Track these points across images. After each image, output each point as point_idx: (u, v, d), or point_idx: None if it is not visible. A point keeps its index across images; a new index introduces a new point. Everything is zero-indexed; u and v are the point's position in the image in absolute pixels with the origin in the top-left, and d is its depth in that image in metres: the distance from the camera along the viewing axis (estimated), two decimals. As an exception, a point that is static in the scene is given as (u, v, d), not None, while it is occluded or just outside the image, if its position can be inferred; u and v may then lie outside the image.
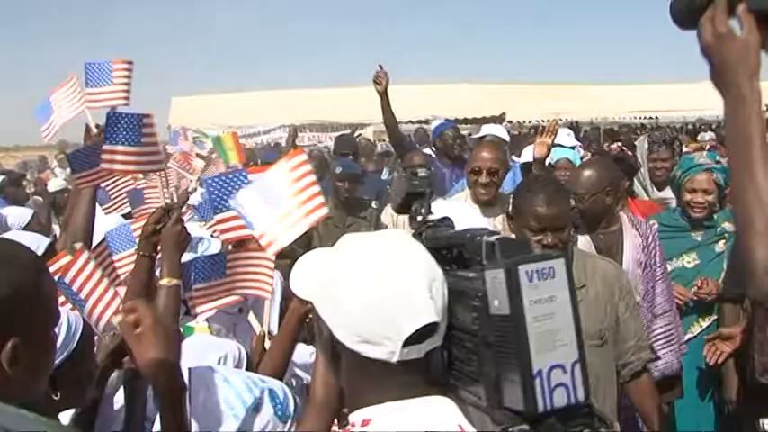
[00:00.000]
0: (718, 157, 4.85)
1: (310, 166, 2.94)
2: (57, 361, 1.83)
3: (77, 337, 2.09)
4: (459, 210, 2.80)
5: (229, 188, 3.01)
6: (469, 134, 14.15)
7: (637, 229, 3.92)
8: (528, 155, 5.38)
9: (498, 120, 15.29)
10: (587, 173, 3.89)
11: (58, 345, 1.87)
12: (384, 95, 5.82)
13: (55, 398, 1.95)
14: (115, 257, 3.48)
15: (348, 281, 1.35)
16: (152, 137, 3.20)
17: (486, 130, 7.24)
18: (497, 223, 3.97)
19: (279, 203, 2.80)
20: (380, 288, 1.32)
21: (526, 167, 5.38)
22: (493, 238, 1.38)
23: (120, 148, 3.10)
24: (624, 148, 7.46)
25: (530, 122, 17.16)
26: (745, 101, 1.56)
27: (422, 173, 1.82)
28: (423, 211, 1.76)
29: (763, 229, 1.49)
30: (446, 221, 1.72)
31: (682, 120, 21.01)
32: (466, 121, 16.51)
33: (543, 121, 18.41)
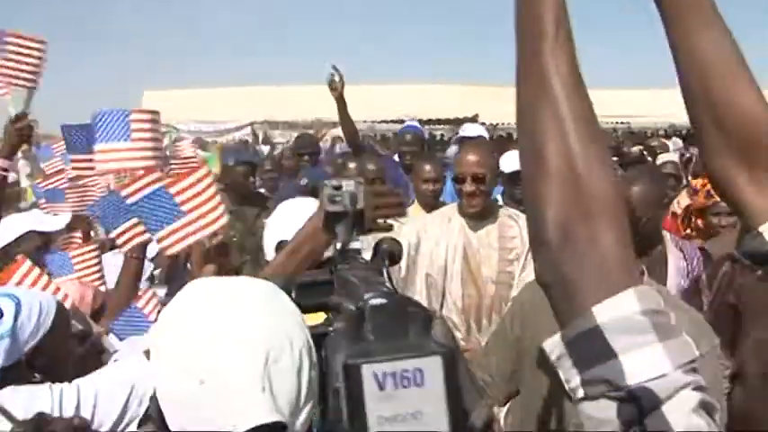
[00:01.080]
0: None
1: (212, 179, 3.03)
2: (33, 343, 2.00)
3: (51, 318, 2.12)
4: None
5: (155, 208, 2.96)
6: (442, 135, 14.13)
7: (681, 251, 3.35)
8: (510, 163, 4.78)
9: (471, 121, 15.31)
10: (640, 188, 3.16)
11: (31, 328, 1.99)
12: (340, 100, 5.59)
13: (34, 379, 2.01)
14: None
15: (164, 351, 1.05)
16: (144, 132, 3.18)
17: (466, 130, 6.69)
18: (492, 239, 3.48)
19: (180, 213, 2.86)
20: (195, 372, 1.00)
21: (511, 178, 4.91)
22: (374, 302, 0.95)
23: (109, 146, 3.11)
24: (645, 152, 7.41)
25: (503, 124, 17.17)
26: None
27: (347, 186, 1.47)
28: (343, 237, 1.42)
29: (558, 169, 0.95)
30: (382, 251, 1.32)
31: (653, 125, 21.21)
32: (438, 121, 16.54)
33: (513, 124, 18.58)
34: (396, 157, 6.45)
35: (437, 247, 3.48)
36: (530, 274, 3.29)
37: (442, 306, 3.42)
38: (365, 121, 15.75)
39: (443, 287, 3.43)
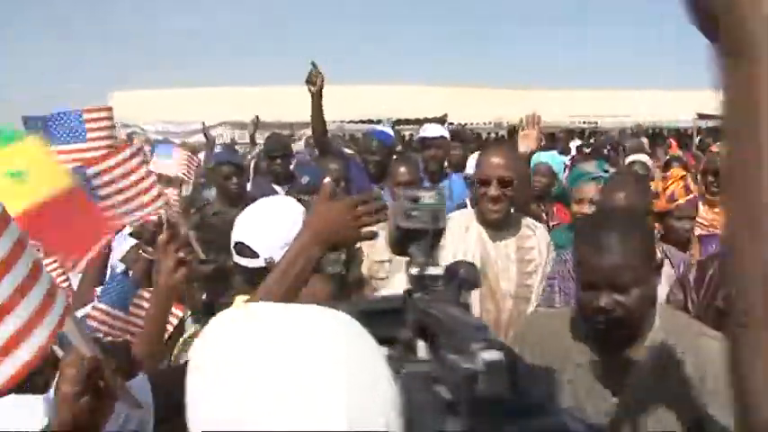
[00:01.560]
0: (606, 166, 4.61)
1: (138, 163, 2.90)
2: None
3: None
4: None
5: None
6: (411, 135, 14.18)
7: (667, 257, 3.21)
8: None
9: (439, 121, 15.39)
10: (628, 195, 3.28)
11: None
12: (318, 96, 5.37)
13: None
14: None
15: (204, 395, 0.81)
16: (99, 131, 3.16)
17: (427, 130, 6.28)
18: (510, 251, 3.27)
19: (96, 198, 2.73)
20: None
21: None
22: (487, 358, 0.73)
23: (66, 147, 3.07)
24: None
25: (471, 124, 17.26)
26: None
27: (427, 198, 1.21)
28: (419, 260, 1.16)
29: None
30: (459, 278, 1.10)
31: (620, 125, 21.44)
32: (408, 122, 16.61)
33: (485, 124, 18.77)
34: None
35: (453, 260, 3.20)
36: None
37: None
38: (334, 121, 15.75)
39: None
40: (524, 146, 3.88)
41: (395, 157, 5.92)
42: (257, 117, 10.91)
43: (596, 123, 20.20)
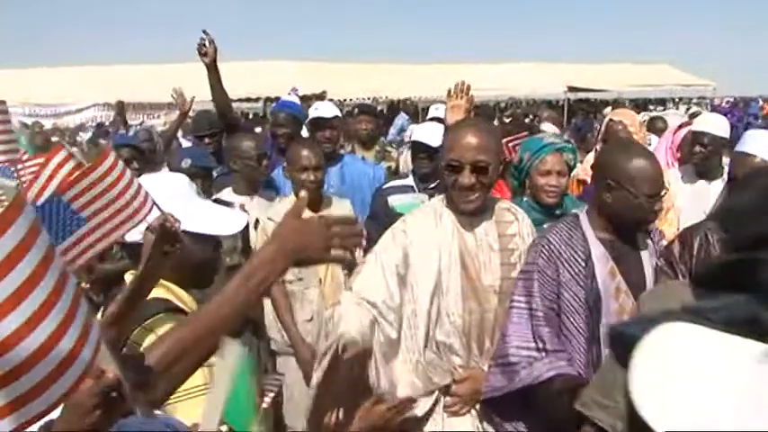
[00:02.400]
0: (566, 136, 4.46)
1: (120, 171, 2.51)
2: None
3: None
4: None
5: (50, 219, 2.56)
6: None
7: (651, 239, 2.88)
8: (421, 133, 4.47)
9: (318, 98, 15.15)
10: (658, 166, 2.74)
11: None
12: (212, 68, 4.93)
13: None
14: None
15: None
16: None
17: (319, 109, 5.44)
18: (492, 240, 2.84)
19: (80, 221, 2.40)
20: None
21: (415, 147, 4.47)
22: None
23: None
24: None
25: (351, 100, 17.11)
26: None
27: None
28: None
29: None
30: None
31: (494, 99, 21.90)
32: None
33: (365, 99, 18.66)
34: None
35: (429, 256, 2.77)
36: None
37: (435, 329, 2.75)
38: (203, 101, 15.20)
39: (438, 305, 2.74)
40: (453, 117, 3.48)
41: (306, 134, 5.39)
42: (122, 102, 10.27)
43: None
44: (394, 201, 4.24)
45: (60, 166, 2.62)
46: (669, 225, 4.00)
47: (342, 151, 5.56)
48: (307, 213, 3.88)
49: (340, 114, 5.32)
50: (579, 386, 2.24)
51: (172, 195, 2.40)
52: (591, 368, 2.53)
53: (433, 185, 4.17)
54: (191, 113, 7.03)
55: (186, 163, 4.24)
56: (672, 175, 4.51)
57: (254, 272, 1.67)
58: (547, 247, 2.65)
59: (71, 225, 2.35)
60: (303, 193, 2.09)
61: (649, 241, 2.79)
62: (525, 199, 3.60)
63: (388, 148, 6.51)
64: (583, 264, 2.61)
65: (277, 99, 11.94)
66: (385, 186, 4.42)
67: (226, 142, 5.10)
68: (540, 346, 2.55)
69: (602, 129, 4.68)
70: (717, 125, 4.59)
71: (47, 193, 2.56)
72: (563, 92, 22.34)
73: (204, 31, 4.78)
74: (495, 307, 2.75)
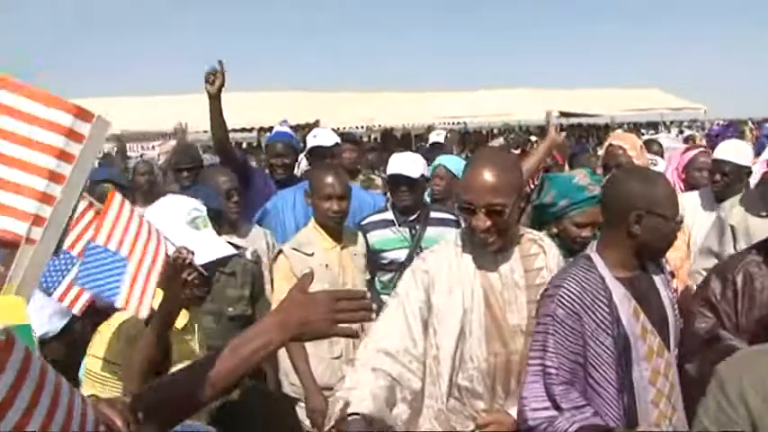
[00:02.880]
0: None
1: (129, 205, 2.44)
2: None
3: None
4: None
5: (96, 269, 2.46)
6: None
7: (660, 266, 2.69)
8: (399, 165, 4.23)
9: (312, 126, 15.17)
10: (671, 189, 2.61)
11: None
12: (216, 98, 4.71)
13: None
14: None
15: None
16: None
17: (318, 137, 5.35)
18: (517, 276, 2.62)
19: (123, 260, 2.31)
20: None
21: (394, 181, 4.21)
22: None
23: None
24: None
25: (344, 129, 17.15)
26: None
27: None
28: None
29: None
30: None
31: (487, 125, 21.96)
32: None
33: (358, 128, 18.68)
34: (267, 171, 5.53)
35: (452, 297, 2.56)
36: None
37: (457, 374, 2.54)
38: (205, 131, 15.16)
39: (461, 348, 2.54)
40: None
41: (305, 164, 5.31)
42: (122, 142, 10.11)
43: (465, 124, 20.53)
44: (373, 238, 4.06)
45: (83, 214, 2.51)
46: (675, 250, 3.91)
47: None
48: (329, 244, 3.67)
49: (340, 142, 5.26)
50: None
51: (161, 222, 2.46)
52: (623, 419, 2.37)
53: (413, 217, 4.09)
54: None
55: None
56: (689, 200, 4.45)
57: (247, 341, 1.62)
58: (567, 296, 2.41)
59: (118, 267, 2.27)
60: (309, 270, 2.03)
61: (661, 270, 2.63)
62: (550, 234, 3.22)
63: (372, 176, 6.42)
64: (606, 309, 2.40)
65: (270, 129, 11.89)
66: (364, 222, 4.19)
67: (198, 177, 4.86)
68: (555, 405, 2.36)
69: (603, 153, 4.62)
70: (738, 153, 4.49)
71: (80, 244, 2.46)
72: (555, 117, 22.44)
73: (220, 62, 4.61)
74: (522, 348, 2.54)
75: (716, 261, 3.67)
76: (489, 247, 2.53)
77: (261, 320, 1.70)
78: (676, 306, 2.61)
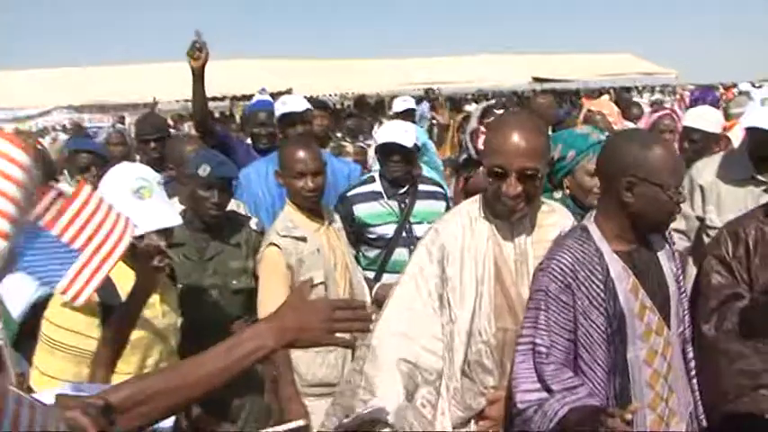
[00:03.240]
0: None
1: (98, 196, 2.43)
2: None
3: None
4: None
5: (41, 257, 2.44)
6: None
7: (666, 239, 2.54)
8: (392, 133, 3.96)
9: (285, 94, 15.06)
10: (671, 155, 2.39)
11: None
12: (200, 74, 4.51)
13: None
14: None
15: None
16: None
17: (287, 104, 4.96)
18: (528, 247, 2.51)
19: (73, 253, 2.31)
20: None
21: (385, 151, 3.94)
22: None
23: None
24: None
25: (316, 97, 17.03)
26: None
27: None
28: None
29: None
30: None
31: (461, 91, 21.92)
32: (248, 98, 16.16)
33: (331, 95, 18.56)
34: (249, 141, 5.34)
35: (467, 271, 2.45)
36: None
37: (467, 349, 2.43)
38: (178, 101, 15.03)
39: (470, 324, 2.42)
40: None
41: (270, 135, 4.92)
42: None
43: (440, 90, 20.48)
44: (360, 211, 3.86)
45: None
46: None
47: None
48: (315, 225, 3.43)
49: (311, 107, 5.05)
50: (600, 412, 2.00)
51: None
52: (613, 402, 2.24)
53: (404, 190, 3.92)
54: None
55: (205, 171, 3.50)
56: None
57: (240, 343, 1.61)
58: (558, 269, 2.29)
59: (67, 259, 2.27)
60: (309, 276, 2.02)
61: (665, 243, 2.47)
62: (559, 195, 3.18)
63: (343, 143, 6.19)
64: (602, 285, 2.26)
65: (243, 98, 11.74)
66: (350, 193, 3.97)
67: (165, 148, 4.65)
68: (545, 386, 2.22)
69: (582, 120, 4.59)
70: (707, 120, 4.47)
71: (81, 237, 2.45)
72: (528, 83, 22.46)
73: (197, 32, 4.41)
74: None
75: (685, 222, 3.68)
76: (515, 215, 2.38)
77: (257, 324, 1.69)
78: (682, 281, 2.46)
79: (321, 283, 3.28)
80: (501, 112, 4.23)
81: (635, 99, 13.82)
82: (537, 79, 22.25)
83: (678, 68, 25.61)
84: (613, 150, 2.32)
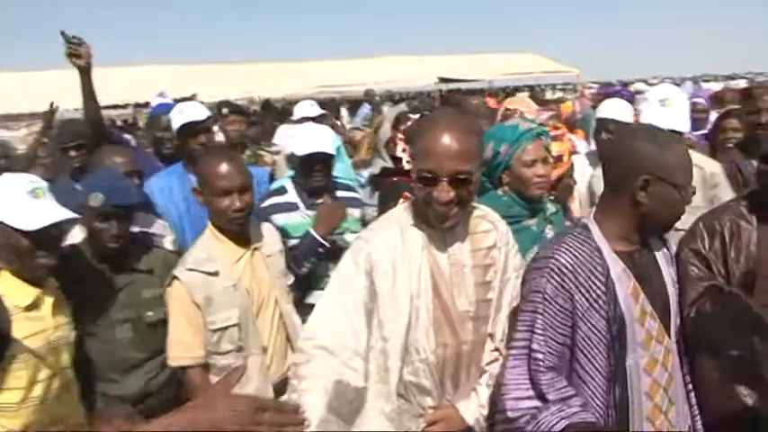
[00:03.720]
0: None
1: None
2: None
3: None
4: None
5: None
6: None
7: (664, 241, 2.47)
8: (315, 142, 3.76)
9: (188, 100, 14.70)
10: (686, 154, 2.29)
11: None
12: (86, 72, 4.05)
13: None
14: None
15: None
16: None
17: (184, 113, 4.50)
18: (465, 257, 2.35)
19: None
20: None
21: (305, 162, 3.76)
22: None
23: None
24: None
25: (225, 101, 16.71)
26: None
27: None
28: None
29: None
30: None
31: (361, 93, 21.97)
32: (149, 105, 15.74)
33: (238, 100, 18.21)
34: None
35: (399, 283, 2.26)
36: (511, 303, 2.40)
37: (401, 369, 2.25)
38: (77, 109, 14.37)
39: (404, 340, 2.23)
40: None
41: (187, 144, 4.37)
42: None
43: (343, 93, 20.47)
44: (280, 220, 3.63)
45: None
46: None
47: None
48: (235, 254, 3.07)
49: (211, 114, 4.68)
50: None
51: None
52: (611, 412, 2.16)
53: (320, 200, 3.71)
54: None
55: (97, 199, 2.98)
56: (579, 162, 4.53)
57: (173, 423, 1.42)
58: (557, 269, 2.16)
59: None
60: (238, 365, 1.87)
61: (665, 246, 2.41)
62: (501, 192, 3.11)
63: (260, 152, 5.91)
64: (602, 287, 2.16)
65: (147, 104, 11.33)
66: (265, 205, 3.73)
67: (91, 157, 4.19)
68: (539, 394, 2.11)
69: (500, 118, 4.58)
70: (621, 111, 4.63)
71: None
72: (434, 83, 22.63)
73: (62, 33, 3.96)
74: (472, 337, 2.32)
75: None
76: (447, 221, 2.25)
77: (171, 414, 1.46)
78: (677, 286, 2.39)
79: (234, 325, 2.91)
80: (417, 117, 4.11)
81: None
82: (443, 79, 22.44)
83: (580, 67, 26.24)
84: (627, 146, 2.21)
